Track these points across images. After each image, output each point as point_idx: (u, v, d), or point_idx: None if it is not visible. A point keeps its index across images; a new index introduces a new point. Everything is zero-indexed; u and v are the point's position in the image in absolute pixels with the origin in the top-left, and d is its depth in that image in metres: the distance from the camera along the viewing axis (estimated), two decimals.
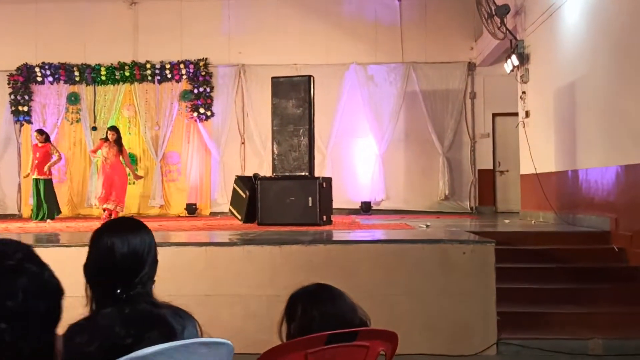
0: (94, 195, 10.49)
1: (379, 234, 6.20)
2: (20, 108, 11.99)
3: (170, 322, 1.68)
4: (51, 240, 6.32)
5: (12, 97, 11.98)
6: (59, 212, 9.85)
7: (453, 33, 11.96)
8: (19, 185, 11.89)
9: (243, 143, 12.07)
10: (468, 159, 12.00)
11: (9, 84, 11.98)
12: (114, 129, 9.70)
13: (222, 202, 11.49)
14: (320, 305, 1.84)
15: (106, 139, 9.46)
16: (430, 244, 5.09)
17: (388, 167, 11.97)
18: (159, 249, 5.21)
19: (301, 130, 7.57)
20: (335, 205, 11.63)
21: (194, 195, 11.93)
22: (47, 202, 9.30)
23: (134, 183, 11.55)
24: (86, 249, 1.80)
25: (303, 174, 7.54)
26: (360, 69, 12.03)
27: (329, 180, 7.86)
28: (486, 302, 4.93)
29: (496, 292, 4.93)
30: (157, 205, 11.89)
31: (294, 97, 7.59)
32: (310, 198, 7.33)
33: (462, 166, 12.00)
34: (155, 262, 1.80)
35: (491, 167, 12.09)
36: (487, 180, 12.05)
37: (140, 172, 11.39)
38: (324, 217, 7.42)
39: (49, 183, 9.46)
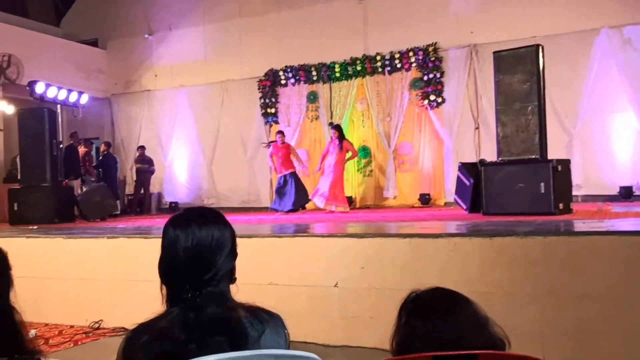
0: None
1: (622, 225, 5.11)
2: (268, 110, 13.17)
3: (242, 327, 1.45)
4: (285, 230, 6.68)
5: (262, 100, 13.20)
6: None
7: None
8: (270, 181, 13.03)
9: (477, 128, 11.35)
10: None
11: (259, 89, 13.23)
12: (336, 127, 10.03)
13: None
14: (428, 315, 1.40)
15: (331, 138, 9.82)
16: None
17: None
18: (367, 240, 5.03)
19: (529, 108, 6.70)
20: (586, 191, 10.32)
21: (427, 185, 11.64)
22: (297, 194, 10.08)
23: (367, 175, 11.82)
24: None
25: (533, 157, 6.67)
26: (614, 32, 10.31)
27: (565, 163, 6.82)
28: None
29: None
30: (391, 196, 11.90)
31: (519, 72, 6.76)
32: (542, 184, 6.45)
33: None
34: (231, 258, 1.56)
35: None
36: None
37: (370, 166, 11.75)
38: (560, 205, 6.45)
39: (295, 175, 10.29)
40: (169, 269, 1.52)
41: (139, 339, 1.42)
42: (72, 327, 5.69)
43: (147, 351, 1.39)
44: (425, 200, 11.44)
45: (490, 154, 10.22)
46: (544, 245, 4.21)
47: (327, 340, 4.86)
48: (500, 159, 6.98)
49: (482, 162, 7.40)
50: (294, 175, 10.45)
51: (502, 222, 5.61)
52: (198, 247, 1.49)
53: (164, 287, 1.53)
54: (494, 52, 7.11)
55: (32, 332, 5.47)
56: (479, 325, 1.39)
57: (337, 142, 9.84)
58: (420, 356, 1.31)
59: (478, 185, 7.07)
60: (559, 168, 6.59)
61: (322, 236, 5.15)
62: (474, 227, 5.46)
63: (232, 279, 1.58)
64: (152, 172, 13.75)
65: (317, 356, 1.40)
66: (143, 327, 1.46)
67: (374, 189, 12.11)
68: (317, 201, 10.08)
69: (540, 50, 6.81)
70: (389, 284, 4.70)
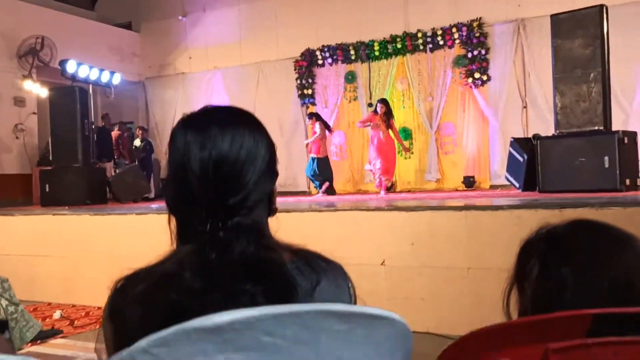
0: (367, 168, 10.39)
1: None
2: (305, 91, 12.73)
3: (287, 274, 0.97)
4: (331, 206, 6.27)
5: (298, 81, 12.78)
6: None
7: None
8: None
9: (525, 107, 10.70)
10: None
11: (295, 69, 12.80)
12: (384, 101, 9.53)
13: (503, 173, 10.34)
14: (580, 257, 0.93)
15: (375, 112, 9.33)
16: None
17: None
18: (417, 213, 4.52)
19: (592, 75, 6.10)
20: None
21: (471, 168, 11.06)
22: (322, 176, 9.69)
23: (407, 157, 11.35)
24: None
25: (595, 128, 6.09)
26: None
27: (632, 135, 6.22)
28: None
29: None
30: (433, 179, 11.36)
31: (580, 35, 6.16)
32: (606, 158, 5.87)
33: None
34: (269, 177, 1.08)
35: None
36: None
37: (411, 146, 11.19)
38: (627, 181, 5.86)
39: (321, 160, 9.85)
40: (178, 191, 1.03)
41: (132, 289, 0.95)
42: (99, 308, 5.39)
43: (145, 305, 0.92)
44: (470, 183, 10.87)
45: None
46: (626, 217, 3.68)
47: None
48: (558, 131, 6.41)
49: (536, 136, 6.84)
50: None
51: (566, 199, 5.06)
52: (220, 158, 1.01)
53: (172, 220, 1.05)
54: (552, 15, 6.53)
55: (57, 313, 5.19)
56: None
57: (384, 117, 9.31)
58: (578, 313, 0.86)
59: (533, 161, 6.52)
60: (625, 140, 5.99)
61: (368, 210, 4.72)
62: (534, 201, 4.94)
63: (272, 209, 1.11)
64: None
65: (399, 316, 0.95)
66: (140, 273, 0.98)
67: (414, 171, 11.59)
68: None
69: (605, 11, 6.20)
70: (443, 262, 4.24)
